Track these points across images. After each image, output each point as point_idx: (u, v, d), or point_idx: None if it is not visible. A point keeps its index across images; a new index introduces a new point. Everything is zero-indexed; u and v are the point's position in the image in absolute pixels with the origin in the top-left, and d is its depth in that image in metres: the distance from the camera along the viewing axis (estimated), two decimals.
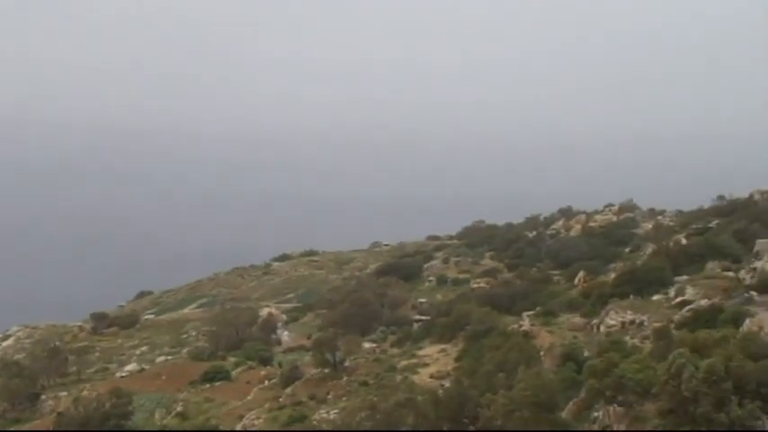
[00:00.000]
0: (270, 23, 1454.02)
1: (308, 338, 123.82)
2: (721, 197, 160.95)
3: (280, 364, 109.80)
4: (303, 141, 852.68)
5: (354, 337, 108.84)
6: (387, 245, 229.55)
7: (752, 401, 41.94)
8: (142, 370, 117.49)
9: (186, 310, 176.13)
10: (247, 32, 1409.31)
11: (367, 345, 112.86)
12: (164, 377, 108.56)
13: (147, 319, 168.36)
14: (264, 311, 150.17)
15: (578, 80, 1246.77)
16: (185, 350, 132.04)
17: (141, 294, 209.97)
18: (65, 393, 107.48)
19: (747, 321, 66.53)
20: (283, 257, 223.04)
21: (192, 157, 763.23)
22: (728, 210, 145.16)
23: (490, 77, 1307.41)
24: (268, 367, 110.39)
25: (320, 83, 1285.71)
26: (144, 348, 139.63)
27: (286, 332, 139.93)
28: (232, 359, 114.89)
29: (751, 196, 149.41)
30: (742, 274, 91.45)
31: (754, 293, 78.29)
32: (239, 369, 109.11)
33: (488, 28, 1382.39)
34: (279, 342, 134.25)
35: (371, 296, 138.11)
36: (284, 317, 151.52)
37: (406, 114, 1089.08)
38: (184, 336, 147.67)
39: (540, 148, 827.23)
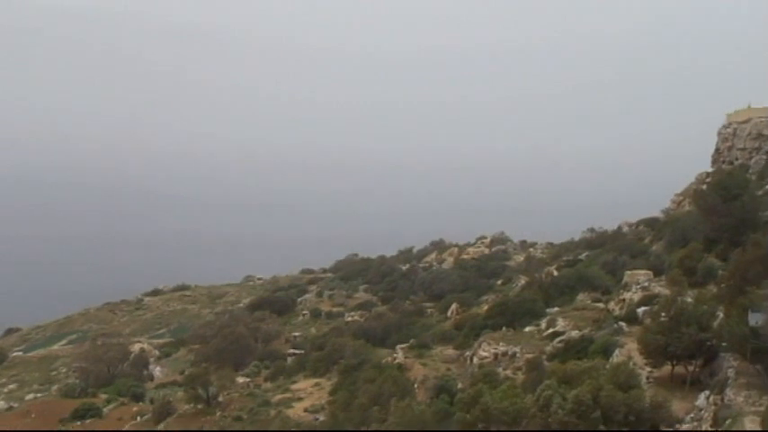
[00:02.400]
0: None
1: (181, 374, 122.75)
2: (591, 229, 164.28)
3: (152, 400, 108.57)
4: (169, 175, 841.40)
5: (228, 371, 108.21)
6: (260, 279, 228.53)
7: (620, 430, 42.82)
8: (10, 408, 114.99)
9: (56, 347, 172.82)
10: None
11: (240, 379, 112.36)
12: (33, 415, 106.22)
13: (15, 356, 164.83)
14: (136, 347, 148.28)
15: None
16: (55, 387, 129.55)
17: (9, 331, 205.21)
18: None
19: (617, 352, 67.99)
20: (155, 292, 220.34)
21: (59, 188, 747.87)
22: (598, 242, 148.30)
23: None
24: (140, 403, 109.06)
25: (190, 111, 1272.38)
26: (12, 386, 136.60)
27: (158, 368, 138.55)
28: (103, 396, 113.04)
29: (619, 228, 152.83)
30: (611, 305, 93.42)
31: (623, 324, 79.90)
32: (111, 406, 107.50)
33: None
34: (151, 378, 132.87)
35: (245, 330, 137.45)
36: (156, 352, 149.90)
37: (272, 148, 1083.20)
38: (54, 372, 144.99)
39: (403, 179, 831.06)
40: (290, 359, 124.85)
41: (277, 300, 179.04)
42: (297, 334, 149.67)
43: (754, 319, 52.80)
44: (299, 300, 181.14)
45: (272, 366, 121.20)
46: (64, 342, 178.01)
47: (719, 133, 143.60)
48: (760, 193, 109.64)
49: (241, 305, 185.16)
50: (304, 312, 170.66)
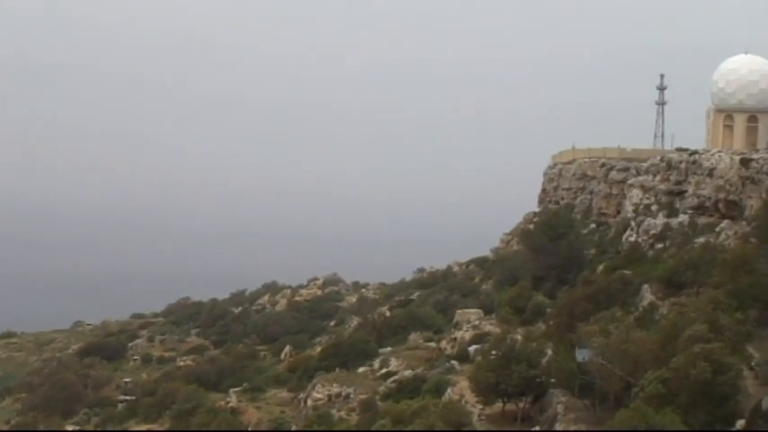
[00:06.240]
0: None
1: (7, 423, 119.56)
2: (421, 269, 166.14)
3: None
4: None
5: (56, 420, 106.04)
6: (90, 324, 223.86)
7: None
8: None
9: None
10: None
11: (70, 428, 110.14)
12: None
13: None
14: None
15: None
16: None
17: None
18: None
19: (449, 390, 68.81)
20: None
21: None
22: (429, 281, 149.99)
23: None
24: None
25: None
26: None
27: None
28: None
29: (449, 268, 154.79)
30: (443, 344, 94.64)
31: (455, 363, 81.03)
32: None
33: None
34: None
35: (74, 377, 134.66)
36: None
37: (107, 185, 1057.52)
38: None
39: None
40: (120, 406, 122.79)
41: (107, 345, 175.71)
42: (128, 380, 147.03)
43: (582, 356, 54.26)
44: (130, 345, 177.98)
45: (103, 413, 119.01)
46: None
47: (545, 174, 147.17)
48: (585, 231, 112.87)
49: (70, 352, 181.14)
50: (135, 358, 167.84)
